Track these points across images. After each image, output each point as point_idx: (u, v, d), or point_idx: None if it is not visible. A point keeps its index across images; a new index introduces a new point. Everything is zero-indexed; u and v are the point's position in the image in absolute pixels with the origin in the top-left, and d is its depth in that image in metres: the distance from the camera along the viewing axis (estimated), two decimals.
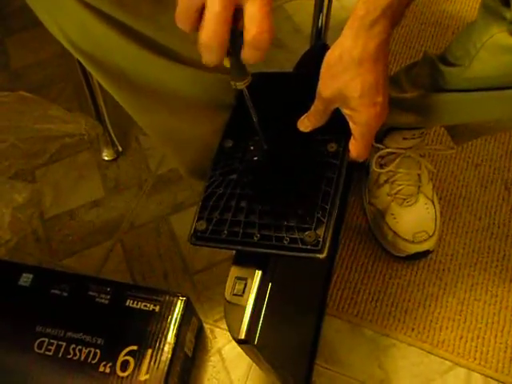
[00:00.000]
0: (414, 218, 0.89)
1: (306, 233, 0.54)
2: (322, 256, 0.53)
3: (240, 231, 0.56)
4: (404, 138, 0.87)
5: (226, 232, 0.57)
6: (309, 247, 0.53)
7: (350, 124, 0.56)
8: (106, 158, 1.11)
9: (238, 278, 0.55)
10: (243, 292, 0.55)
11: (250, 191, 0.58)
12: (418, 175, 0.90)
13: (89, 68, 0.62)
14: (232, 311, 0.55)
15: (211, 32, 0.41)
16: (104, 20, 0.56)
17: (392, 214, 0.90)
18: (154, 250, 0.99)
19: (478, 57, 0.62)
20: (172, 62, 0.61)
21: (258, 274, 0.55)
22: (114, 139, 1.11)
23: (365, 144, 0.56)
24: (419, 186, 0.90)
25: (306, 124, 0.59)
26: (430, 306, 0.88)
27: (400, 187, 0.90)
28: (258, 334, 0.55)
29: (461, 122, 0.79)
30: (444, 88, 0.69)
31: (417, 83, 0.76)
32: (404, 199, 0.90)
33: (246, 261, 0.57)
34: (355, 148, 0.57)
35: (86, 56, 0.60)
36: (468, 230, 0.95)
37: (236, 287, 0.55)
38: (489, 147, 1.04)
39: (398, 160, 0.89)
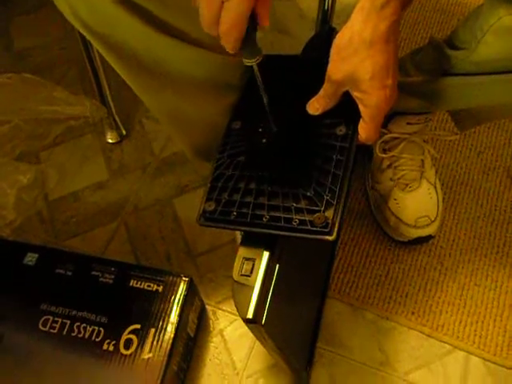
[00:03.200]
0: (416, 203, 0.89)
1: (316, 215, 0.54)
2: (331, 238, 0.53)
3: (249, 212, 0.57)
4: (408, 123, 0.87)
5: (235, 213, 0.57)
6: (318, 229, 0.54)
7: (360, 107, 0.56)
8: (110, 141, 1.11)
9: (246, 259, 0.56)
10: (251, 272, 0.55)
11: (258, 173, 0.59)
12: (422, 160, 0.91)
13: (96, 45, 0.62)
14: (240, 291, 0.55)
15: (230, 26, 0.45)
16: None
17: (395, 199, 0.90)
18: (158, 232, 0.99)
19: (485, 40, 0.62)
20: (178, 41, 0.61)
21: (266, 254, 0.56)
22: (118, 122, 1.11)
23: (374, 127, 0.56)
24: (422, 172, 0.91)
25: (315, 107, 0.59)
26: (430, 290, 0.89)
27: (403, 172, 0.90)
28: (265, 314, 0.55)
29: (465, 107, 0.79)
30: (449, 72, 0.69)
31: (422, 68, 0.76)
32: (407, 184, 0.90)
33: (254, 241, 0.57)
34: (364, 131, 0.57)
35: (94, 33, 0.60)
36: (469, 216, 0.96)
37: (244, 267, 0.55)
38: (492, 135, 1.05)
39: (401, 145, 0.89)
